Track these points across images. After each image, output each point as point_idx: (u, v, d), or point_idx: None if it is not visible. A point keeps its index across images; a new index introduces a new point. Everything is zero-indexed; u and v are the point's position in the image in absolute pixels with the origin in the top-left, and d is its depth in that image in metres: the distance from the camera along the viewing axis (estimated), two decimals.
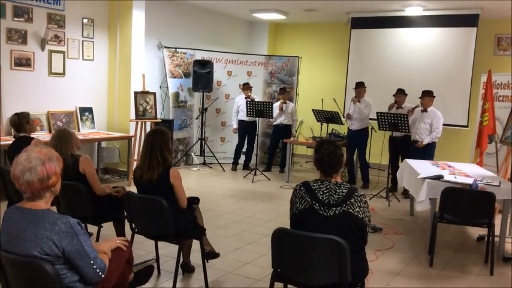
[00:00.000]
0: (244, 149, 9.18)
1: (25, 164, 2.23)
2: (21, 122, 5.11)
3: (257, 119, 8.56)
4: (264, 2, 8.67)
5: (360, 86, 7.87)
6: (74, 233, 2.26)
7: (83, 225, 2.43)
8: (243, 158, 9.22)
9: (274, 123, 8.95)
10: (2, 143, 5.85)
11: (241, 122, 8.99)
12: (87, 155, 4.18)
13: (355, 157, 8.17)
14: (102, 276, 2.39)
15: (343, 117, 8.45)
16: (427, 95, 7.09)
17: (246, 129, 9.00)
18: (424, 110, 7.08)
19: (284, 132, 8.84)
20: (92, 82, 7.71)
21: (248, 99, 8.66)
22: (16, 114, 5.25)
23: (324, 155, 2.88)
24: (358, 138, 7.90)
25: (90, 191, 3.99)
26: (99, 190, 4.07)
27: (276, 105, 8.73)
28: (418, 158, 6.41)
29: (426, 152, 6.93)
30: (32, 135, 5.25)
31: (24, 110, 6.58)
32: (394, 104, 7.53)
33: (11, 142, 5.18)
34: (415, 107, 7.17)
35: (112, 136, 7.62)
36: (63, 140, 4.01)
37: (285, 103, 8.79)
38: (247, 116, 8.58)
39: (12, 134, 5.38)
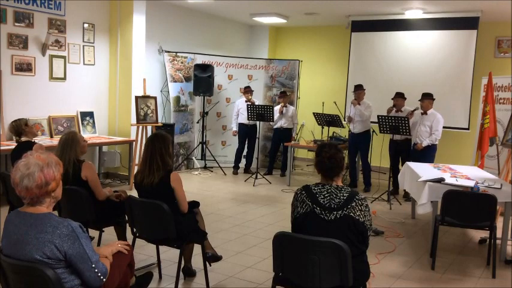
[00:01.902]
0: (244, 153, 9.19)
1: (23, 170, 2.24)
2: (19, 126, 5.18)
3: (257, 122, 8.58)
4: (264, 6, 8.68)
5: (358, 89, 7.87)
6: (75, 236, 2.27)
7: (85, 228, 2.43)
8: (243, 161, 9.23)
9: (275, 127, 8.96)
10: (3, 147, 5.86)
11: (241, 125, 9.00)
12: (88, 159, 4.18)
13: (356, 160, 8.16)
14: (104, 280, 2.39)
15: (344, 121, 8.44)
16: (427, 98, 7.06)
17: (246, 133, 9.01)
18: (424, 113, 7.05)
19: (285, 135, 8.85)
20: (92, 87, 7.73)
21: (248, 103, 8.68)
22: (13, 121, 5.36)
23: (324, 158, 2.88)
24: (361, 141, 7.88)
25: (91, 196, 3.99)
26: (101, 196, 4.06)
27: (277, 109, 8.74)
28: (419, 160, 6.40)
29: (426, 155, 6.91)
30: (34, 140, 5.26)
31: (25, 115, 6.65)
32: (392, 107, 7.48)
33: (13, 147, 5.19)
34: (415, 110, 7.15)
35: (113, 140, 7.63)
36: (66, 145, 4.01)
37: (285, 106, 8.80)
38: (248, 120, 8.60)
39: (14, 139, 5.40)
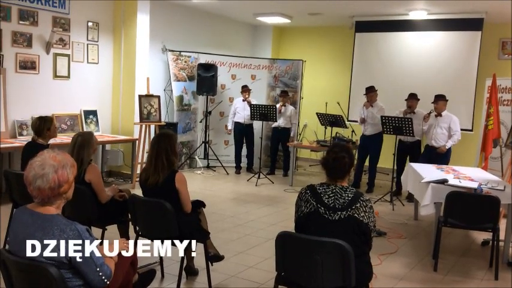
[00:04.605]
0: (245, 153, 9.19)
1: (38, 170, 2.22)
2: (42, 129, 4.82)
3: (253, 121, 8.57)
4: (268, 5, 8.67)
5: (370, 91, 7.76)
6: (82, 240, 2.26)
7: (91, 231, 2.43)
8: (246, 161, 9.22)
9: (273, 126, 8.96)
10: (6, 145, 5.87)
11: (237, 124, 9.00)
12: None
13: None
14: (108, 282, 2.39)
15: (347, 121, 8.42)
16: (441, 99, 6.92)
17: (242, 132, 9.01)
18: (439, 115, 6.93)
19: (282, 135, 8.85)
20: (96, 85, 7.74)
21: (245, 102, 8.70)
22: (39, 118, 4.91)
23: (329, 158, 2.88)
24: (372, 144, 7.77)
25: (94, 194, 3.99)
26: (104, 200, 4.04)
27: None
28: (435, 163, 6.30)
29: (444, 157, 6.84)
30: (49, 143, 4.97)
31: (29, 113, 6.64)
32: (408, 109, 7.31)
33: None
34: (430, 112, 7.01)
35: (116, 139, 7.64)
36: (82, 146, 3.96)
37: (284, 106, 8.79)
38: (250, 119, 8.60)
39: (31, 137, 5.00)
